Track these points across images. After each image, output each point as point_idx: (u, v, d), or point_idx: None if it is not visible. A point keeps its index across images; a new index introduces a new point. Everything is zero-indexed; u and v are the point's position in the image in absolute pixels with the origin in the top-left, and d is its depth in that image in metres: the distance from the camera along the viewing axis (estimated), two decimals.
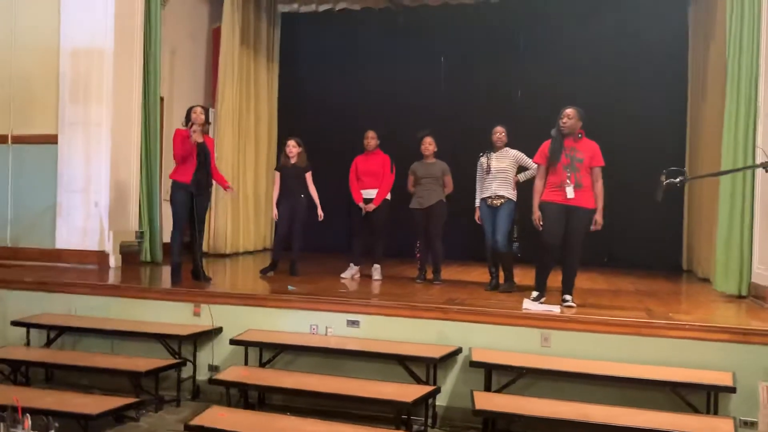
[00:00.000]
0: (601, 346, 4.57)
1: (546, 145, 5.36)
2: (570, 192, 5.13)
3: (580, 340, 4.63)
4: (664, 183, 4.03)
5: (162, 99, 8.05)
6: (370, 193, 6.75)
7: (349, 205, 6.93)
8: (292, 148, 6.83)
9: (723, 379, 4.15)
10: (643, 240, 8.68)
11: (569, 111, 5.26)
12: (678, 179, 3.99)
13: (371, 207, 6.68)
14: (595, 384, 4.39)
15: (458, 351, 4.76)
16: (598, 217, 5.19)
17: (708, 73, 7.67)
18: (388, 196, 6.79)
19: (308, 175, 6.82)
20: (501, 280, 6.23)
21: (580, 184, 5.16)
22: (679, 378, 4.19)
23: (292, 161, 6.81)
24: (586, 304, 5.29)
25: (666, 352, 4.45)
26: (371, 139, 6.80)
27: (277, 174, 6.94)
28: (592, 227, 5.19)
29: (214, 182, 6.32)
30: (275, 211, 6.83)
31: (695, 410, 4.16)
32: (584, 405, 4.11)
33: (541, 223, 5.27)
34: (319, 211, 6.78)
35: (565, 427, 3.92)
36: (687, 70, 8.75)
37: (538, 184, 5.37)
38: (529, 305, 5.06)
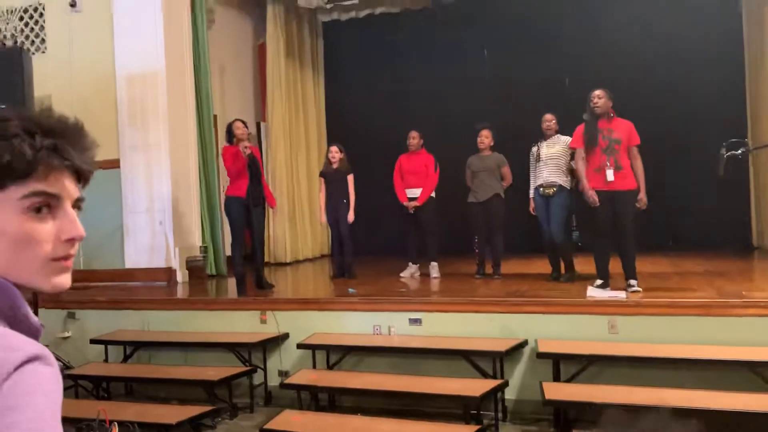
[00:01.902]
0: (671, 329, 4.47)
1: (581, 129, 5.30)
2: (610, 175, 5.06)
3: (649, 325, 4.53)
4: (725, 156, 3.92)
5: (215, 117, 8.28)
6: (415, 192, 6.80)
7: (397, 207, 6.98)
8: (335, 153, 7.00)
9: None
10: (708, 218, 8.39)
11: (598, 92, 5.20)
12: (740, 151, 3.88)
13: (414, 204, 6.71)
14: (667, 368, 4.29)
15: (524, 343, 4.73)
16: (642, 196, 5.08)
17: (766, 38, 7.37)
18: (433, 194, 6.83)
19: (350, 178, 6.94)
20: (562, 271, 6.14)
21: (620, 166, 5.08)
22: (758, 357, 4.06)
23: (334, 166, 6.96)
24: (653, 288, 5.17)
25: (740, 332, 4.31)
26: (413, 138, 6.88)
27: (321, 179, 7.12)
28: (638, 206, 5.08)
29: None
30: (323, 216, 7.03)
31: None
32: (658, 389, 4.02)
33: (595, 203, 5.20)
34: (350, 215, 6.87)
35: (640, 412, 3.84)
36: (742, 38, 8.43)
37: (580, 166, 5.32)
38: (594, 292, 4.99)
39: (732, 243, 8.18)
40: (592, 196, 5.15)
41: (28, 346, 0.75)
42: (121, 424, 3.47)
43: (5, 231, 0.82)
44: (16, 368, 0.72)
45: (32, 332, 0.81)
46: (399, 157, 7.00)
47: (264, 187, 6.41)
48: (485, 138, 6.62)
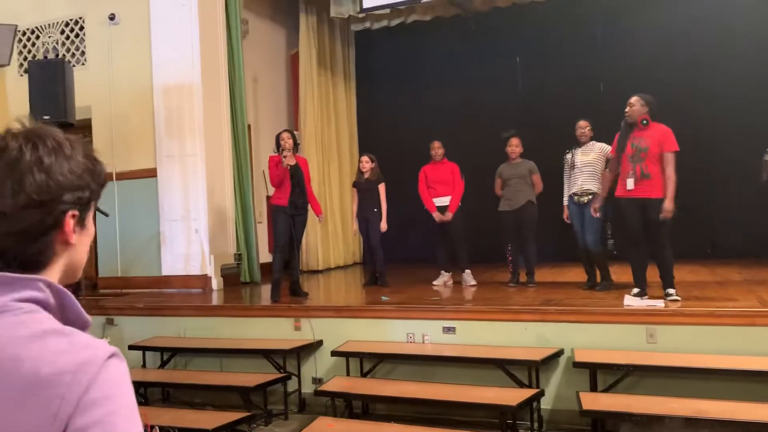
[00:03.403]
0: (711, 339, 4.38)
1: (617, 137, 5.29)
2: (630, 183, 5.01)
3: (688, 334, 4.45)
4: None
5: (249, 126, 8.39)
6: (443, 200, 6.81)
7: (427, 216, 6.99)
8: (365, 163, 7.05)
9: None
10: (748, 227, 8.21)
11: (632, 99, 5.17)
12: None
13: (449, 215, 6.72)
14: (706, 379, 4.20)
15: (560, 353, 4.68)
16: (668, 204, 4.97)
17: None
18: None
19: (381, 188, 6.98)
20: (598, 279, 6.07)
21: (647, 174, 5.00)
22: None
23: (366, 176, 7.02)
24: (692, 297, 5.08)
25: None
26: (438, 148, 6.93)
27: (354, 190, 7.17)
28: (661, 215, 4.97)
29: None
30: (355, 225, 7.14)
31: None
32: (697, 401, 3.95)
33: (598, 214, 5.56)
34: (383, 224, 6.91)
35: (679, 424, 3.77)
36: None
37: (606, 175, 5.38)
38: (631, 301, 4.92)
39: None
40: (596, 210, 5.48)
41: (104, 343, 0.83)
42: (161, 428, 3.53)
43: (90, 233, 0.95)
44: (105, 363, 0.80)
45: (85, 327, 0.89)
46: (422, 168, 7.02)
47: (309, 196, 6.49)
48: (515, 147, 6.60)
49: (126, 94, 7.67)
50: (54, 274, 0.91)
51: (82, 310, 0.89)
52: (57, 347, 0.80)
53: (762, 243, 8.10)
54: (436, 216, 6.80)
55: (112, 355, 0.82)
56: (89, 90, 7.40)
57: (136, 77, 7.59)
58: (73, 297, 0.89)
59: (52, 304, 0.86)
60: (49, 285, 0.87)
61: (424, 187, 6.94)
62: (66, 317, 0.87)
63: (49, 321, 0.84)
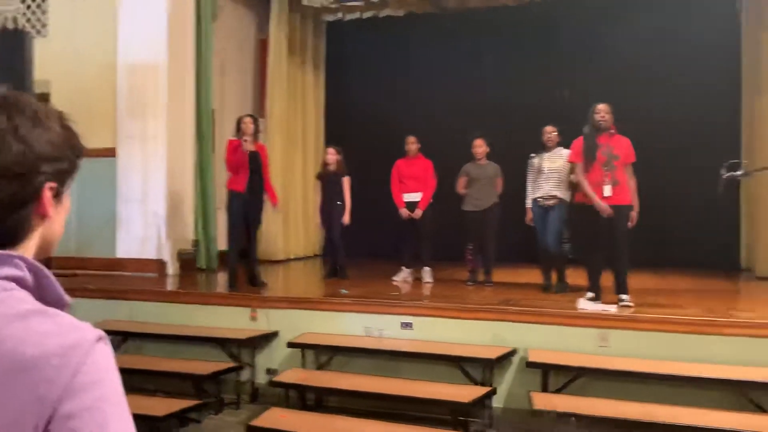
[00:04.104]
0: (660, 345, 4.50)
1: (579, 143, 5.33)
2: (607, 190, 5.11)
3: (639, 339, 4.57)
4: (725, 176, 3.97)
5: (213, 111, 8.26)
6: (413, 196, 6.81)
7: (395, 210, 6.99)
8: (331, 155, 7.02)
9: None
10: (699, 238, 8.46)
11: (604, 106, 5.23)
12: (739, 172, 3.92)
13: (419, 213, 6.73)
14: (655, 384, 4.32)
15: (514, 352, 4.75)
16: (634, 214, 5.16)
17: (762, 65, 7.46)
18: (431, 200, 6.85)
19: (345, 181, 6.94)
20: (553, 282, 6.18)
21: (616, 181, 5.14)
22: (745, 376, 4.10)
23: (331, 168, 6.97)
24: (644, 303, 5.21)
25: (728, 351, 4.35)
26: (412, 144, 6.92)
27: (319, 182, 7.12)
28: (629, 224, 5.14)
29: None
30: (320, 218, 7.12)
31: (762, 410, 4.05)
32: (646, 405, 4.05)
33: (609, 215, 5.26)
34: (346, 217, 6.88)
35: (628, 427, 3.87)
36: (740, 63, 8.50)
37: (583, 179, 5.32)
38: (585, 305, 5.02)
39: (721, 264, 8.23)
40: (606, 210, 5.12)
41: (90, 326, 0.81)
42: None
43: (66, 208, 0.92)
44: (93, 346, 0.78)
45: (63, 307, 0.85)
46: (396, 162, 7.01)
47: (266, 184, 6.38)
48: (479, 147, 6.65)
49: (88, 70, 7.46)
50: (29, 249, 0.87)
51: (61, 289, 0.86)
52: (42, 328, 0.77)
53: (710, 255, 8.36)
54: (403, 212, 6.81)
55: (99, 339, 0.79)
56: (50, 63, 7.15)
57: (100, 53, 7.39)
58: (51, 275, 0.85)
59: (29, 282, 0.83)
60: (26, 262, 0.83)
61: (395, 181, 6.93)
62: (43, 296, 0.84)
63: (30, 300, 0.81)
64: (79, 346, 0.77)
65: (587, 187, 5.24)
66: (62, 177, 0.89)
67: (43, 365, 0.74)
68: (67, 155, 0.89)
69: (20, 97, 0.87)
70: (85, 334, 0.79)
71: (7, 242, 0.85)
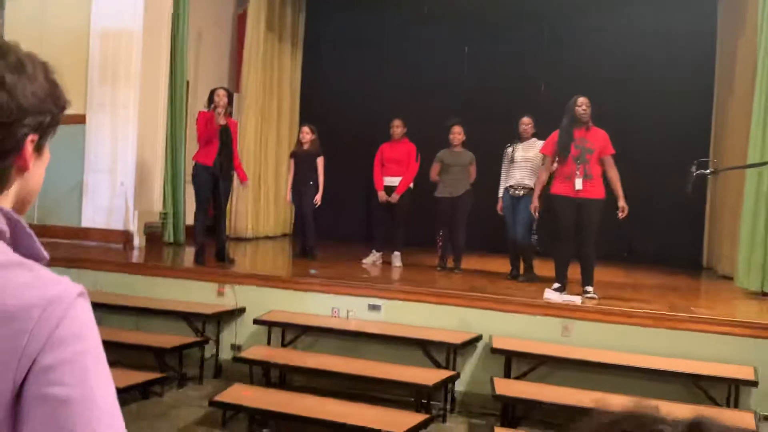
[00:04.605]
0: (622, 338, 4.59)
1: (555, 136, 5.37)
2: (579, 184, 5.15)
3: (601, 331, 4.65)
4: (695, 174, 4.04)
5: (188, 83, 8.11)
6: (393, 180, 6.78)
7: (370, 193, 6.97)
8: (305, 134, 6.96)
9: (745, 373, 4.16)
10: (664, 236, 8.64)
11: (585, 99, 5.26)
12: (708, 171, 3.99)
13: (396, 197, 6.72)
14: (615, 375, 4.41)
15: (479, 338, 4.80)
16: (622, 204, 5.19)
17: (736, 69, 7.60)
18: (411, 185, 6.83)
19: (320, 161, 6.90)
20: (521, 271, 6.24)
21: (589, 175, 5.17)
22: (701, 371, 4.21)
23: (305, 147, 6.92)
24: (608, 296, 5.30)
25: (687, 346, 4.46)
26: (397, 127, 6.85)
27: (291, 160, 7.08)
28: (620, 214, 5.18)
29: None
30: (289, 195, 7.07)
31: (716, 403, 4.17)
32: (604, 395, 4.12)
33: (537, 214, 5.59)
34: (317, 197, 6.86)
35: (585, 415, 3.94)
36: (714, 66, 8.67)
37: (542, 174, 5.45)
38: (551, 295, 5.09)
39: (684, 261, 8.42)
40: (534, 209, 5.56)
41: (69, 280, 0.80)
42: None
43: (45, 161, 0.91)
44: (74, 300, 0.77)
45: (40, 261, 0.83)
46: (381, 145, 6.97)
47: (235, 160, 6.31)
48: (458, 134, 6.66)
49: (59, 35, 7.24)
50: (6, 202, 0.85)
51: (39, 243, 0.84)
52: (22, 280, 0.76)
53: (675, 252, 8.55)
54: (381, 195, 6.79)
55: (80, 294, 0.78)
56: (20, 26, 6.98)
57: (72, 18, 7.20)
58: (29, 228, 0.83)
59: (6, 234, 0.81)
60: (4, 214, 0.81)
61: (378, 164, 6.89)
62: (20, 249, 0.82)
63: (8, 252, 0.79)
64: (60, 299, 0.76)
65: (539, 181, 5.54)
66: (44, 130, 0.87)
67: (23, 317, 0.73)
68: (50, 108, 0.87)
69: (5, 45, 0.85)
70: (67, 288, 0.78)
71: None
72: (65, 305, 0.76)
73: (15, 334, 0.73)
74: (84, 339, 0.77)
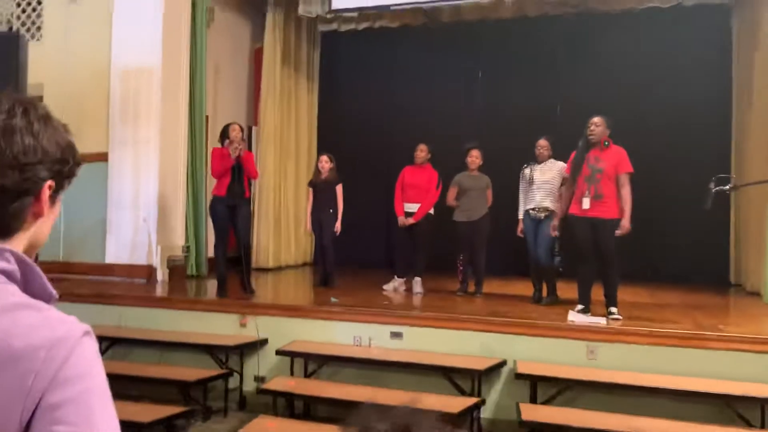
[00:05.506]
0: (649, 359, 4.51)
1: (572, 157, 5.40)
2: (586, 203, 5.13)
3: (628, 353, 4.58)
4: (713, 190, 4.00)
5: (207, 117, 8.25)
6: (412, 206, 6.79)
7: (390, 219, 6.98)
8: (324, 163, 7.00)
9: None
10: (688, 253, 8.50)
11: (596, 119, 5.26)
12: (727, 186, 3.95)
13: (410, 221, 6.72)
14: (643, 397, 4.32)
15: (503, 363, 4.75)
16: (625, 222, 5.13)
17: (754, 83, 7.55)
18: (432, 211, 6.83)
19: (338, 188, 6.93)
20: (544, 294, 6.19)
21: (600, 195, 5.14)
22: (732, 391, 4.11)
23: (323, 176, 6.96)
24: (632, 317, 5.22)
25: (716, 365, 4.37)
26: (421, 152, 6.86)
27: (310, 189, 7.14)
28: (618, 232, 5.12)
29: (251, 193, 6.41)
30: (309, 225, 7.07)
31: (748, 424, 4.07)
32: (633, 417, 4.05)
33: (556, 233, 5.67)
34: (337, 225, 6.85)
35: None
36: (731, 82, 8.60)
37: (565, 194, 5.46)
38: (574, 317, 5.03)
39: (710, 279, 8.27)
40: (553, 228, 5.73)
41: (76, 319, 0.83)
42: None
43: (56, 213, 0.96)
44: (79, 340, 0.80)
45: (50, 300, 0.87)
46: (403, 169, 6.99)
47: (246, 193, 6.30)
48: (476, 158, 6.67)
49: (82, 74, 7.44)
50: (19, 246, 0.89)
51: (49, 283, 0.88)
52: (30, 321, 0.79)
53: (701, 269, 8.41)
54: (401, 220, 6.80)
55: (86, 333, 0.81)
56: (43, 67, 7.15)
57: (93, 57, 7.38)
58: (38, 269, 0.87)
59: (17, 276, 0.84)
60: (15, 256, 0.85)
61: (399, 189, 6.90)
62: (31, 290, 0.85)
63: (18, 293, 0.83)
64: (66, 339, 0.79)
65: (561, 201, 5.65)
66: (61, 179, 0.93)
67: (30, 357, 0.76)
68: (68, 159, 0.93)
69: (32, 99, 0.92)
70: (72, 328, 0.81)
71: (1, 233, 0.86)
72: (70, 345, 0.78)
73: (22, 375, 0.75)
74: (89, 378, 0.79)
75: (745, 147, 7.94)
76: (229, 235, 6.30)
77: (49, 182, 0.90)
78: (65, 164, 0.92)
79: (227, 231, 6.21)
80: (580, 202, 5.18)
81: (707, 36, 8.60)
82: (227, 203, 6.08)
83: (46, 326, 0.79)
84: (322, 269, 7.14)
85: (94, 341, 0.82)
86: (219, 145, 6.24)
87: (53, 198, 0.92)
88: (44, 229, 0.93)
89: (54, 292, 0.88)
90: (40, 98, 7.39)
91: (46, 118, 0.91)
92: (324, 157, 7.10)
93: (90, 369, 0.80)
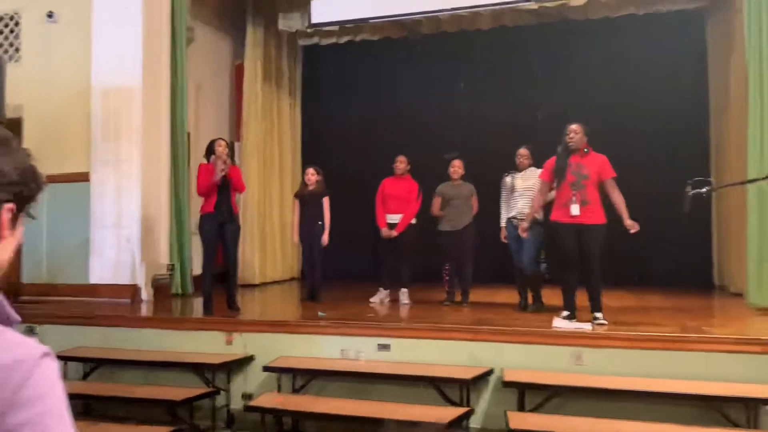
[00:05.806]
0: (634, 363, 4.53)
1: (551, 162, 5.40)
2: (575, 210, 5.16)
3: (614, 357, 4.59)
4: (690, 194, 4.04)
5: (188, 134, 8.23)
6: (394, 217, 6.80)
7: (375, 230, 6.99)
8: (311, 176, 6.98)
9: (763, 391, 4.09)
10: (672, 256, 8.58)
11: (574, 126, 5.30)
12: (704, 189, 4.00)
13: (394, 233, 6.73)
14: (630, 401, 4.34)
15: (490, 372, 4.75)
16: (629, 222, 5.16)
17: (730, 86, 7.66)
18: (414, 221, 6.84)
19: (325, 200, 6.90)
20: (529, 301, 6.21)
21: (586, 201, 5.17)
22: (717, 392, 4.14)
23: (311, 188, 6.94)
24: (618, 322, 5.25)
25: (701, 367, 4.39)
26: (401, 163, 6.89)
27: (296, 201, 7.08)
28: (631, 231, 5.14)
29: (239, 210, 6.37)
30: (296, 236, 7.03)
31: (734, 425, 4.09)
32: (621, 422, 4.07)
33: (526, 234, 5.69)
34: (325, 237, 6.81)
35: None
36: (708, 86, 8.73)
37: (537, 198, 5.49)
38: (560, 323, 5.05)
39: (694, 281, 8.35)
40: (522, 230, 5.73)
41: (35, 341, 0.82)
42: None
43: (17, 238, 0.94)
44: (38, 361, 0.80)
45: (11, 324, 0.86)
46: (383, 180, 7.00)
47: (234, 209, 6.28)
48: (458, 168, 6.71)
49: (61, 95, 7.41)
50: None
51: (9, 306, 0.87)
52: None
53: (684, 272, 8.49)
54: (384, 232, 6.80)
55: (45, 354, 0.81)
56: (23, 88, 7.12)
57: (73, 77, 7.35)
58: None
59: None
60: None
61: (380, 200, 6.91)
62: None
63: None
64: (24, 361, 0.78)
65: (535, 206, 5.69)
66: (21, 202, 0.91)
67: None
68: (29, 182, 0.92)
69: None
70: (31, 350, 0.80)
71: None
72: (28, 367, 0.78)
73: None
74: (47, 399, 0.78)
75: (724, 149, 8.05)
76: (217, 253, 6.25)
77: (9, 205, 0.89)
78: (25, 187, 0.91)
79: (216, 248, 6.16)
80: (568, 209, 5.20)
81: (683, 42, 8.73)
82: (217, 220, 6.05)
83: (5, 348, 0.79)
84: (310, 283, 7.12)
85: (54, 363, 0.82)
86: (205, 161, 6.20)
87: (14, 221, 0.91)
88: (5, 252, 0.92)
89: (16, 315, 0.87)
90: (17, 120, 7.39)
91: (6, 143, 0.90)
92: (311, 170, 7.07)
93: (48, 390, 0.79)
